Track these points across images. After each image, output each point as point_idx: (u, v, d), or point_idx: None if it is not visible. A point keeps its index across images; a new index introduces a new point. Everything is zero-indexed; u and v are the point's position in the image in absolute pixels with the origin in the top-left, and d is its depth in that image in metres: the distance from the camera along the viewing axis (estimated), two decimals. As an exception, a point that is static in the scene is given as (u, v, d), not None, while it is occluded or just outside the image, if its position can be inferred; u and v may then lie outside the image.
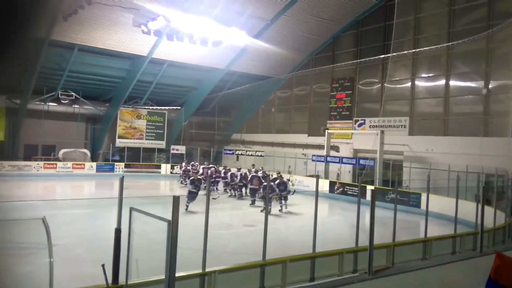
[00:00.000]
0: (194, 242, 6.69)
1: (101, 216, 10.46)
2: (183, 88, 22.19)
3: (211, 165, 16.92)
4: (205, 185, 15.04)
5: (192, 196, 11.28)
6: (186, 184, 14.91)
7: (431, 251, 7.59)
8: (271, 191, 11.10)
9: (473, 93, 15.21)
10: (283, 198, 11.82)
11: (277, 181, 12.07)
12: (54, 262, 3.81)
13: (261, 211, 10.85)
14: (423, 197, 11.90)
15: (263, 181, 12.69)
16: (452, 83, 15.83)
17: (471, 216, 8.64)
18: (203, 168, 16.23)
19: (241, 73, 21.17)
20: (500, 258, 2.66)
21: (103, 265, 4.23)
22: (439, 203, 10.80)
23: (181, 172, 17.65)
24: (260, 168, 15.53)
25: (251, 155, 20.71)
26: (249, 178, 14.37)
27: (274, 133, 23.20)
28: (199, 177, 11.84)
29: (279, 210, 11.67)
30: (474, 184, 9.37)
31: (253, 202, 12.75)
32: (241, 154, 21.59)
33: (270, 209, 10.87)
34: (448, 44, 15.26)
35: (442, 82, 16.14)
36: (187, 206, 11.08)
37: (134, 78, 19.38)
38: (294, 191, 12.50)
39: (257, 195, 12.88)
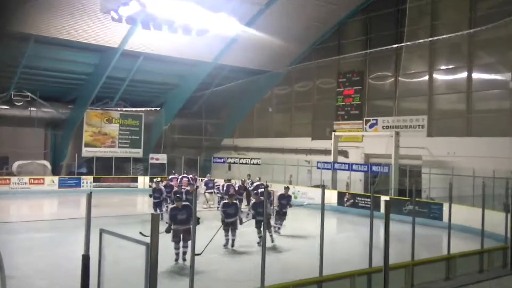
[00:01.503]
0: (180, 267, 6.72)
1: (66, 240, 10.35)
2: (163, 85, 22.11)
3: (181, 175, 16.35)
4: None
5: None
6: (161, 212, 11.29)
7: (456, 269, 7.71)
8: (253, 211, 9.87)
9: (499, 87, 15.37)
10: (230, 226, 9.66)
11: (260, 189, 11.49)
12: (11, 298, 3.72)
13: (258, 243, 9.79)
14: (445, 207, 12.04)
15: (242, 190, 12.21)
16: (475, 75, 15.99)
17: (500, 228, 8.82)
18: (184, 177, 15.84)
19: (231, 67, 21.11)
20: None
21: None
22: (464, 214, 11.03)
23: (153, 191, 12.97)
24: (258, 179, 15.45)
25: (246, 163, 20.78)
26: (223, 188, 14.20)
27: (272, 137, 23.22)
28: (184, 203, 8.52)
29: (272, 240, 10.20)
30: (502, 191, 9.52)
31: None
32: (234, 163, 21.70)
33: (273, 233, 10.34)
34: (469, 31, 15.35)
35: (463, 75, 16.25)
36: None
37: (103, 75, 19.20)
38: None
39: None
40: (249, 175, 16.88)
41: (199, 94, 22.71)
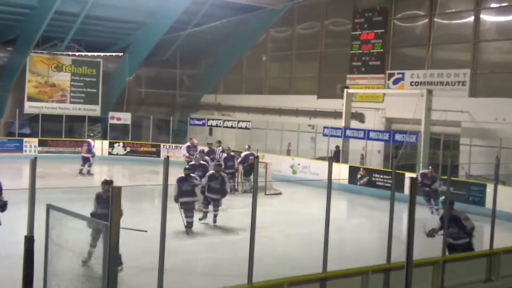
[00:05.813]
0: (145, 257, 6.92)
1: (3, 218, 10.23)
2: (127, 24, 21.84)
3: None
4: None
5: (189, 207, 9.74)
6: None
7: (499, 269, 7.75)
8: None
9: None
10: (212, 201, 10.62)
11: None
12: None
13: (199, 219, 10.60)
14: (489, 189, 12.13)
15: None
16: (537, 17, 16.06)
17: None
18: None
19: (215, 1, 20.61)
20: None
21: None
22: (513, 199, 11.28)
23: None
24: (246, 148, 15.57)
25: (232, 127, 20.95)
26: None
27: (266, 94, 23.21)
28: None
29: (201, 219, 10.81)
30: None
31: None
32: (217, 126, 21.76)
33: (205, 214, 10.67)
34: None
35: (521, 15, 16.30)
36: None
37: (51, 8, 18.70)
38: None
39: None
40: (219, 141, 16.55)
41: (173, 37, 22.34)
